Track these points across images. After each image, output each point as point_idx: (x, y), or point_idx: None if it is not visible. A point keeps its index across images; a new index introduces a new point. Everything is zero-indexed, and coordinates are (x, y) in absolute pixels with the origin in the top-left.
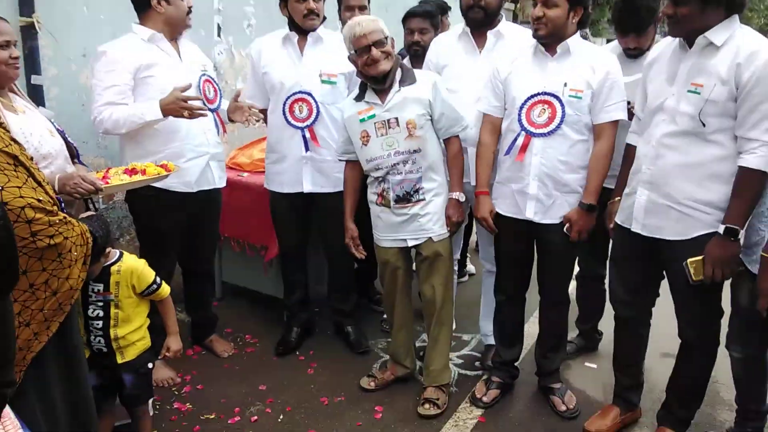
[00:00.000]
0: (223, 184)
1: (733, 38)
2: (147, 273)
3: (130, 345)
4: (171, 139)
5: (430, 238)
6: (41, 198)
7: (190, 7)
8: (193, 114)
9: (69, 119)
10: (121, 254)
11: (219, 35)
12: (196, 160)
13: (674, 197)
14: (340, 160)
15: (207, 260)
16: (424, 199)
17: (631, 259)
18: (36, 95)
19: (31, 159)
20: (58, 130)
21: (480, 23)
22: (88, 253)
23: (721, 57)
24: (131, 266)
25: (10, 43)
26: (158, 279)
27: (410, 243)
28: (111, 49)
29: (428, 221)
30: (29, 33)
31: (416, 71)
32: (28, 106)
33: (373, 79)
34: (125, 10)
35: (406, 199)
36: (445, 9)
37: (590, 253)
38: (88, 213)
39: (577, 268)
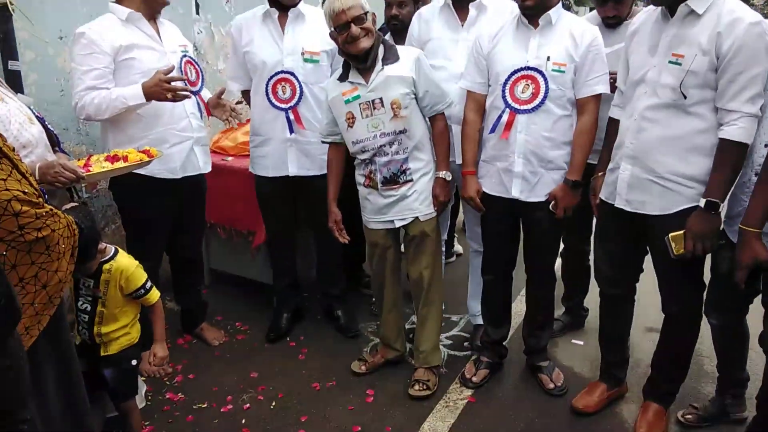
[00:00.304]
0: (209, 169)
1: (715, 5)
2: (137, 276)
3: (113, 340)
4: (154, 124)
5: (417, 217)
6: (26, 190)
7: None
8: (176, 96)
9: (48, 105)
10: (116, 252)
11: (198, 13)
12: (180, 145)
13: (657, 171)
14: (323, 143)
15: (194, 247)
16: (411, 180)
17: (616, 236)
18: (14, 81)
19: (13, 150)
20: (37, 117)
21: None
22: (75, 245)
23: (703, 25)
24: (122, 266)
25: None
26: (148, 284)
27: (397, 224)
28: (89, 30)
29: (415, 200)
30: (3, 16)
31: (399, 47)
32: (7, 94)
33: (355, 57)
34: None
35: (393, 180)
36: None
37: (574, 230)
38: (72, 204)
39: (561, 245)
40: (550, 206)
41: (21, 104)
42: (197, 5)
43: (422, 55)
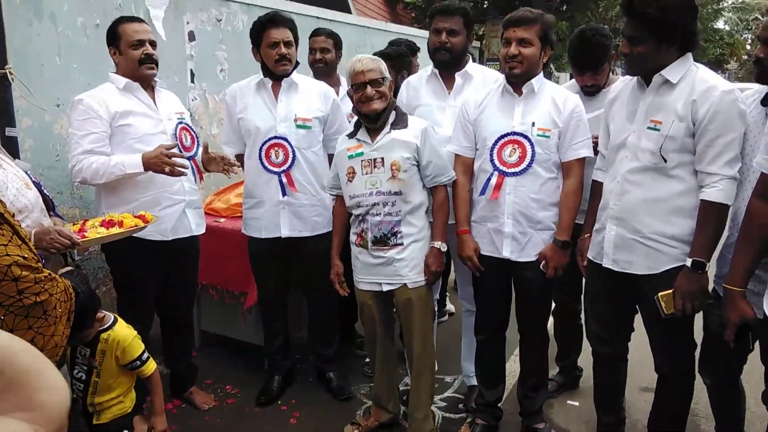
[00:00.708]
0: (201, 231)
1: (688, 75)
2: (134, 347)
3: (106, 409)
4: (147, 188)
5: (405, 284)
6: (26, 255)
7: (147, 55)
8: (174, 171)
9: (44, 170)
10: (115, 321)
11: (192, 81)
12: (171, 207)
13: (641, 232)
14: (331, 195)
15: (185, 309)
16: (401, 244)
17: (605, 295)
18: (11, 147)
19: (13, 215)
20: (33, 182)
21: (447, 65)
22: (72, 309)
23: (677, 94)
24: (120, 337)
25: None
26: (144, 355)
27: (385, 288)
28: (87, 97)
29: (404, 267)
30: (2, 84)
31: (410, 117)
32: (5, 159)
33: (366, 117)
34: (97, 59)
35: (383, 241)
36: (414, 50)
37: (565, 289)
38: (67, 268)
39: (553, 305)
40: (541, 266)
41: (18, 169)
42: (192, 74)
43: (431, 127)
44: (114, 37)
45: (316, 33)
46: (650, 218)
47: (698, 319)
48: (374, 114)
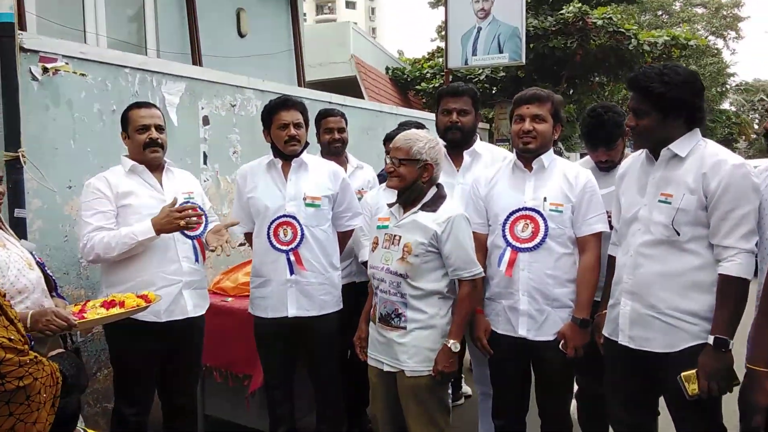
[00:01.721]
0: (200, 313)
1: (697, 150)
2: None
3: None
4: (144, 267)
5: (403, 371)
6: (12, 337)
7: (151, 139)
8: (189, 223)
9: (51, 251)
10: None
11: (205, 163)
12: (167, 288)
13: (657, 307)
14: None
15: (187, 393)
16: (404, 328)
17: (624, 374)
18: (19, 228)
19: (4, 296)
20: (38, 262)
21: (458, 143)
22: (57, 394)
23: (687, 167)
24: None
25: None
26: None
27: (385, 368)
28: (94, 180)
29: (403, 353)
30: (14, 167)
31: (452, 203)
32: (9, 239)
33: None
34: (111, 143)
35: (386, 320)
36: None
37: (588, 370)
38: (58, 350)
39: (576, 386)
40: (560, 345)
41: (23, 250)
42: (205, 156)
43: (462, 218)
44: (124, 121)
45: (329, 113)
46: (666, 293)
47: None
48: (394, 188)
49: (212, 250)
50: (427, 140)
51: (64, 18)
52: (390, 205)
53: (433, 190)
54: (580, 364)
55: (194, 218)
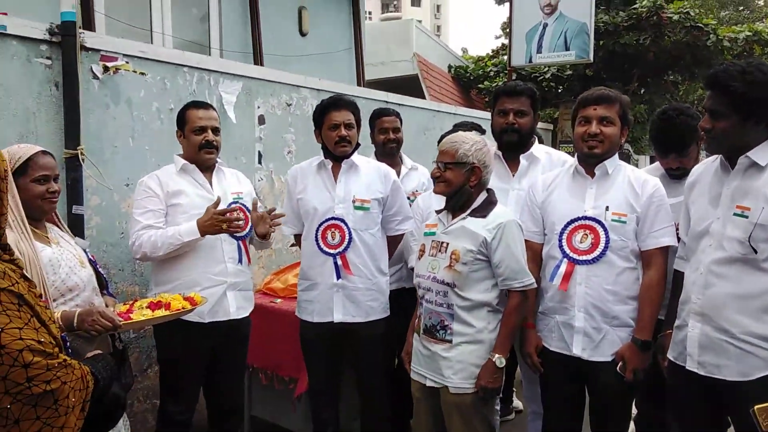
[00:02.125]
0: (244, 315)
1: None
2: None
3: None
4: (189, 268)
5: (447, 387)
6: (42, 339)
7: (207, 141)
8: (231, 226)
9: (107, 247)
10: None
11: (260, 162)
12: (211, 289)
13: (730, 331)
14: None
15: (232, 395)
16: (450, 342)
17: (690, 402)
18: (77, 224)
19: (40, 296)
20: (90, 260)
21: (515, 145)
22: (87, 398)
23: (767, 178)
24: None
25: (49, 177)
26: None
27: (428, 383)
28: (147, 178)
29: (448, 367)
30: (73, 164)
31: (503, 209)
32: (64, 236)
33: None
34: (169, 141)
35: (431, 332)
36: (480, 131)
37: (649, 394)
38: (95, 352)
39: (635, 411)
40: (618, 368)
41: (76, 247)
42: (260, 155)
43: (514, 225)
44: (181, 120)
45: (384, 113)
46: (740, 316)
47: None
48: (441, 193)
49: (264, 239)
50: (473, 142)
51: (131, 18)
52: (438, 212)
53: (483, 195)
54: (640, 388)
55: (237, 222)
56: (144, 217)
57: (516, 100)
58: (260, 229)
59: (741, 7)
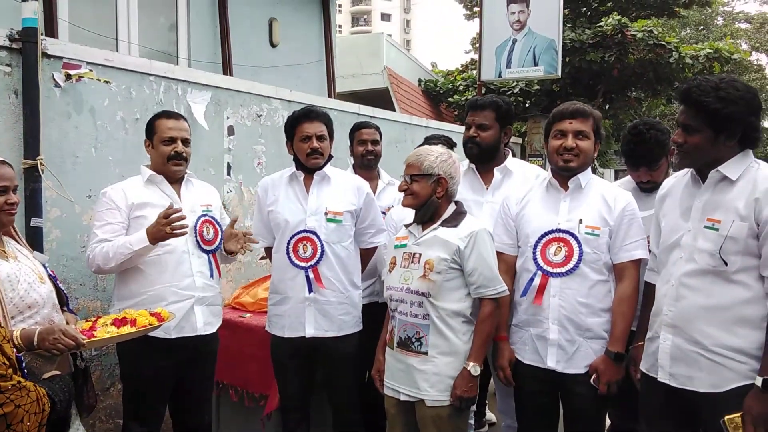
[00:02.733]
0: (211, 331)
1: (749, 172)
2: None
3: None
4: (155, 281)
5: (423, 400)
6: None
7: (177, 152)
8: (174, 229)
9: (68, 261)
10: None
11: (229, 173)
12: (177, 304)
13: (701, 343)
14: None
15: (199, 413)
16: (425, 353)
17: (662, 413)
18: (35, 237)
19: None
20: (50, 275)
21: (476, 158)
22: (43, 422)
23: (738, 192)
24: None
25: (8, 188)
26: None
27: (402, 397)
28: (110, 189)
29: (424, 380)
30: (32, 175)
31: (471, 219)
32: (22, 251)
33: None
34: (134, 152)
35: (405, 344)
36: (451, 144)
37: (622, 405)
38: (52, 373)
39: (608, 422)
40: (592, 380)
41: (35, 262)
42: (229, 167)
43: (486, 233)
44: (150, 129)
45: (364, 126)
46: (711, 328)
47: None
48: (409, 206)
49: (232, 255)
50: (438, 154)
51: (97, 26)
52: (407, 225)
53: (452, 207)
54: (613, 399)
55: (181, 226)
56: (102, 230)
57: (479, 114)
58: (230, 246)
59: (701, 27)
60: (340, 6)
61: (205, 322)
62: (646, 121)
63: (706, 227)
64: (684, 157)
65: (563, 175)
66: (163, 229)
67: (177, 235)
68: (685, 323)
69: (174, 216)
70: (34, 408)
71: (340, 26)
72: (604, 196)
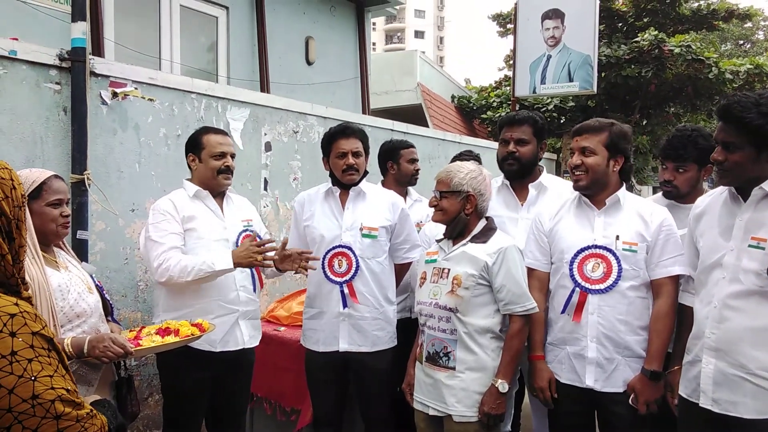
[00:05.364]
0: (254, 344)
1: None
2: None
3: None
4: (202, 295)
5: (450, 415)
6: (69, 387)
7: (226, 166)
8: (266, 258)
9: (111, 273)
10: None
11: (266, 189)
12: (223, 317)
13: (747, 367)
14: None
15: (235, 424)
16: (453, 368)
17: None
18: (80, 249)
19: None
20: (97, 285)
21: (515, 174)
22: None
23: None
24: None
25: (62, 201)
26: None
27: (431, 412)
28: (161, 202)
29: (451, 395)
30: (79, 189)
31: (502, 235)
32: (72, 261)
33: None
34: (175, 166)
35: (434, 359)
36: (476, 161)
37: (659, 427)
38: (95, 397)
39: None
40: (630, 400)
41: (83, 272)
42: (266, 182)
43: (515, 249)
44: (196, 145)
45: (410, 145)
46: (757, 351)
47: None
48: (439, 223)
49: (280, 272)
50: (468, 171)
51: (141, 45)
52: (438, 240)
53: (482, 223)
54: (653, 420)
55: (270, 255)
56: (167, 239)
57: (517, 129)
58: (285, 266)
59: (741, 41)
60: (374, 24)
61: (249, 336)
62: (696, 126)
63: (750, 246)
64: (724, 176)
65: (585, 194)
66: (255, 257)
67: (266, 266)
68: (730, 346)
69: (268, 246)
70: None
71: (374, 44)
72: (640, 212)
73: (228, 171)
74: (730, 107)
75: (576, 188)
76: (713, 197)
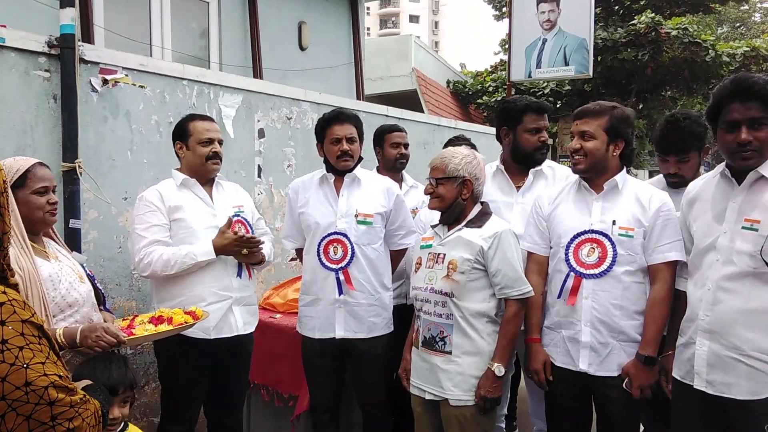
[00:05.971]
0: (250, 330)
1: None
2: None
3: None
4: (194, 283)
5: (447, 399)
6: (62, 373)
7: (214, 152)
8: (252, 253)
9: (105, 261)
10: (126, 425)
11: (260, 176)
12: (216, 304)
13: (741, 348)
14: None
15: (233, 411)
16: (449, 353)
17: (698, 422)
18: (73, 238)
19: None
20: (88, 275)
21: (540, 163)
22: None
23: None
24: None
25: (48, 188)
26: None
27: (427, 396)
28: (146, 193)
29: (447, 380)
30: (70, 178)
31: (497, 219)
32: (62, 251)
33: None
34: (168, 154)
35: (430, 344)
36: (472, 146)
37: (653, 411)
38: (86, 382)
39: (642, 428)
40: (624, 384)
41: (74, 262)
42: (260, 169)
43: (510, 234)
44: (183, 132)
45: (396, 129)
46: (751, 332)
47: None
48: (436, 209)
49: (255, 265)
50: (462, 156)
51: (131, 31)
52: (434, 226)
53: (477, 207)
54: (647, 405)
55: (257, 250)
56: (149, 232)
57: (545, 118)
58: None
59: (738, 24)
60: (368, 9)
61: (244, 322)
62: (684, 112)
63: (744, 228)
64: (751, 156)
65: (584, 177)
66: (238, 250)
67: (250, 261)
68: (723, 328)
69: (253, 242)
70: (93, 420)
71: (368, 29)
72: (638, 197)
73: (216, 157)
74: (753, 85)
75: (575, 171)
76: (705, 181)
